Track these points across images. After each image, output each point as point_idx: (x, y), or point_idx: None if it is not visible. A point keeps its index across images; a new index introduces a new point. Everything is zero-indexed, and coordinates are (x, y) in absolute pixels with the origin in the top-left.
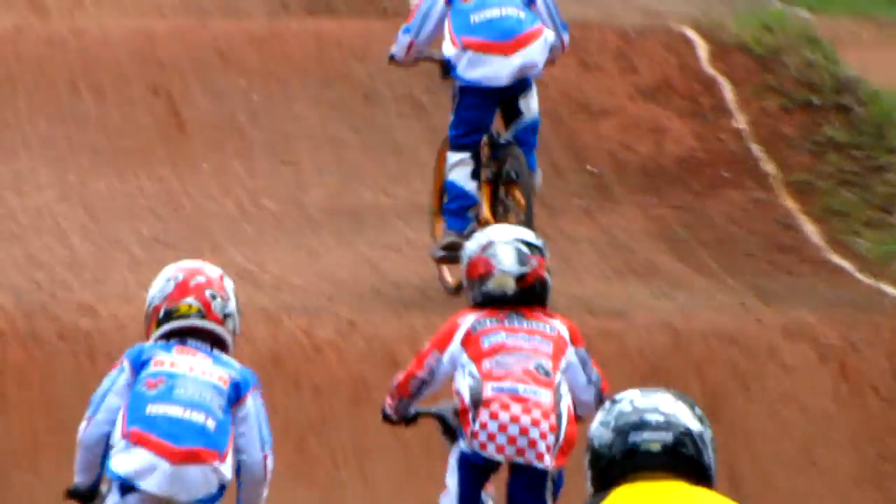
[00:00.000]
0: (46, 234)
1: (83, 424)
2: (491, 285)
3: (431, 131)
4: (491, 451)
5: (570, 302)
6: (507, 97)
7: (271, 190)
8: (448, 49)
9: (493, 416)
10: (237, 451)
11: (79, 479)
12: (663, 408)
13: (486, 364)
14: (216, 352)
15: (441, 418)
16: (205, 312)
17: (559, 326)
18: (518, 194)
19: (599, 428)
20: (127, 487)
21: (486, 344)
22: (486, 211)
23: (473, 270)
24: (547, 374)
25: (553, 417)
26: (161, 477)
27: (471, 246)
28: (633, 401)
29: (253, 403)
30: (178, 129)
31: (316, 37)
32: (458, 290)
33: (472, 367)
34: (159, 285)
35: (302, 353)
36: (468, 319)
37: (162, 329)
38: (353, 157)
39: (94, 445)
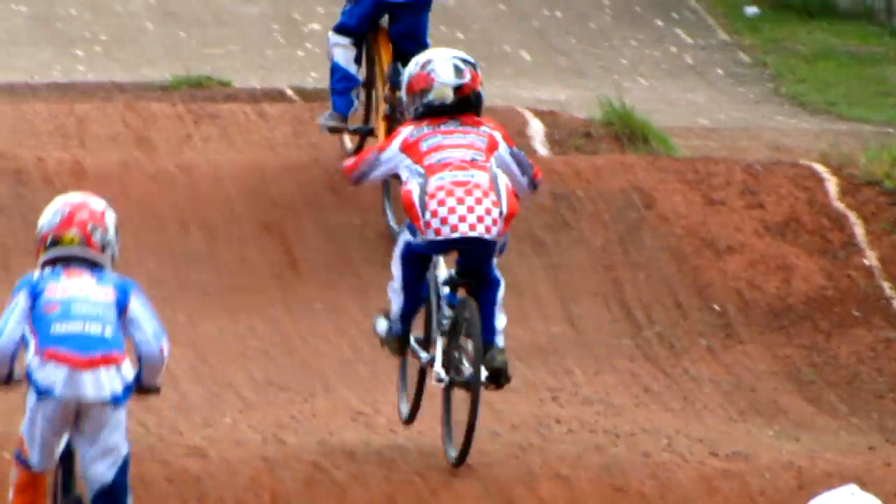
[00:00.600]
0: None
1: None
2: (431, 96)
3: (552, 269)
4: (446, 233)
5: (691, 443)
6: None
7: None
8: None
9: (441, 203)
10: (137, 346)
11: None
12: None
13: (427, 160)
14: (97, 271)
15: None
16: (86, 243)
17: (491, 130)
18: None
19: None
20: (42, 393)
21: (424, 146)
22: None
23: (414, 85)
24: (482, 160)
25: (493, 195)
26: (72, 382)
27: (410, 66)
28: None
29: (138, 305)
30: (291, 268)
31: None
32: (357, 151)
33: (417, 167)
34: (48, 217)
35: (416, 495)
36: (406, 129)
37: (48, 254)
38: None
39: (1, 364)
